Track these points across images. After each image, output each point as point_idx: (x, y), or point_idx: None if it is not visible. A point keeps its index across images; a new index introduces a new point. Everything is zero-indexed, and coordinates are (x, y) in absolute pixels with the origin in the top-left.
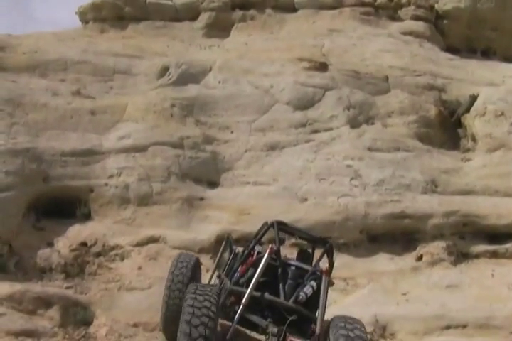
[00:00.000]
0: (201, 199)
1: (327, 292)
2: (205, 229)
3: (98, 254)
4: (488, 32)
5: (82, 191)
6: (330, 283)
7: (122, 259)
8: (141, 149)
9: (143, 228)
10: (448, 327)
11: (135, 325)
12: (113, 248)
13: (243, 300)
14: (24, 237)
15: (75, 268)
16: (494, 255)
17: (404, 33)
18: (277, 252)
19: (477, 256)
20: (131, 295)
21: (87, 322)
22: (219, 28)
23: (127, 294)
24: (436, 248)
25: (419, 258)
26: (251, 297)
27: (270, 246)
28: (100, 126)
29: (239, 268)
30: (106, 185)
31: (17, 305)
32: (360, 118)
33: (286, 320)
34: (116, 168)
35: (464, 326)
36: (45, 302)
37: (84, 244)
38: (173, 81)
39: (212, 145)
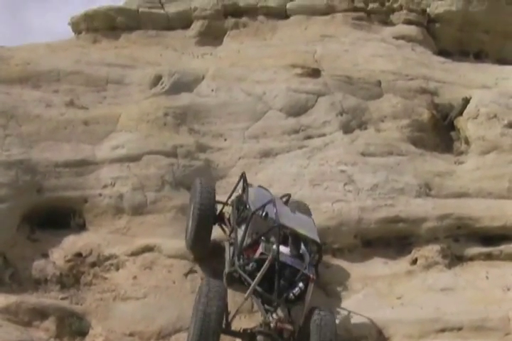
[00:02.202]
0: None
1: (310, 294)
2: None
3: (93, 264)
4: (480, 35)
5: (76, 202)
6: (311, 280)
7: (117, 269)
8: (134, 159)
9: (137, 237)
10: (443, 330)
11: (131, 335)
12: (108, 258)
13: (245, 295)
14: (19, 249)
15: (70, 278)
16: (488, 257)
17: (397, 38)
18: (277, 257)
19: (471, 258)
20: (126, 305)
21: (83, 333)
22: (211, 36)
23: (122, 304)
24: (430, 251)
25: (414, 261)
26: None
27: (271, 256)
28: (94, 136)
29: (244, 253)
30: (100, 195)
31: (12, 317)
32: (353, 123)
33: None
34: (110, 178)
35: (459, 328)
36: (40, 314)
37: (79, 255)
38: (166, 90)
39: (205, 153)
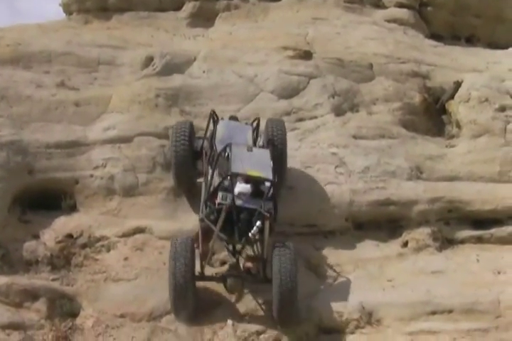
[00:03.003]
0: None
1: (268, 232)
2: (192, 219)
3: (84, 246)
4: (472, 19)
5: (67, 183)
6: (266, 218)
7: (108, 250)
8: (126, 140)
9: (129, 219)
10: (434, 313)
11: (122, 316)
12: (99, 239)
13: (210, 243)
14: (10, 230)
15: (61, 260)
16: (479, 240)
17: (389, 21)
18: (232, 204)
19: (462, 241)
20: (117, 286)
21: (74, 314)
22: (203, 18)
23: (114, 285)
24: (421, 234)
25: (405, 244)
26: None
27: (228, 204)
28: (85, 117)
29: (209, 200)
30: (91, 176)
31: (3, 298)
32: (344, 106)
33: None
34: (101, 159)
35: (450, 311)
36: (31, 295)
37: (70, 236)
38: (158, 71)
39: (197, 134)
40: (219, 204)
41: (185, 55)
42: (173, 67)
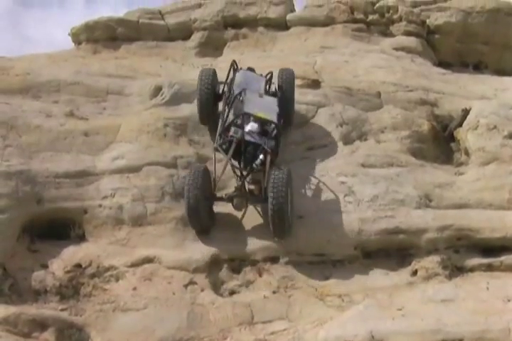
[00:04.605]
0: None
1: (269, 163)
2: (200, 249)
3: (93, 275)
4: (479, 46)
5: (76, 212)
6: (268, 153)
7: (117, 280)
8: (134, 170)
9: (137, 248)
10: None
11: None
12: (108, 269)
13: (222, 168)
14: (18, 259)
15: (70, 289)
16: (489, 268)
17: (396, 49)
18: (242, 138)
19: (472, 269)
20: (126, 316)
21: None
22: (212, 47)
23: (122, 315)
24: (431, 262)
25: (414, 273)
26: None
27: (238, 137)
28: (94, 147)
29: (223, 133)
30: (100, 206)
31: (12, 328)
32: (353, 134)
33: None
34: (110, 189)
35: (460, 340)
36: (40, 325)
37: (78, 266)
38: (167, 101)
39: (206, 164)
40: (231, 136)
41: (193, 84)
42: (182, 96)
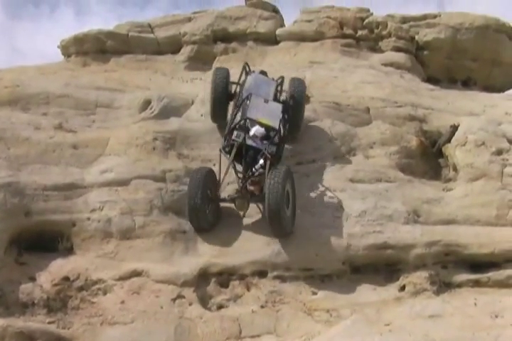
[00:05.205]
0: (184, 232)
1: (269, 168)
2: (188, 263)
3: (81, 289)
4: (468, 62)
5: (64, 225)
6: (268, 158)
7: (105, 293)
8: (123, 183)
9: (125, 262)
10: None
11: None
12: (96, 282)
13: (225, 170)
14: (6, 272)
15: (58, 302)
16: (476, 284)
17: (385, 64)
18: (244, 142)
19: (459, 285)
20: (114, 330)
21: None
22: (201, 61)
23: (110, 328)
24: (418, 278)
25: (402, 288)
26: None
27: (239, 142)
28: (82, 159)
29: (228, 135)
30: (88, 219)
31: None
32: (342, 149)
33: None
34: (98, 202)
35: None
36: (27, 338)
37: (66, 279)
38: (156, 114)
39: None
40: (233, 140)
41: (182, 98)
42: (171, 110)
